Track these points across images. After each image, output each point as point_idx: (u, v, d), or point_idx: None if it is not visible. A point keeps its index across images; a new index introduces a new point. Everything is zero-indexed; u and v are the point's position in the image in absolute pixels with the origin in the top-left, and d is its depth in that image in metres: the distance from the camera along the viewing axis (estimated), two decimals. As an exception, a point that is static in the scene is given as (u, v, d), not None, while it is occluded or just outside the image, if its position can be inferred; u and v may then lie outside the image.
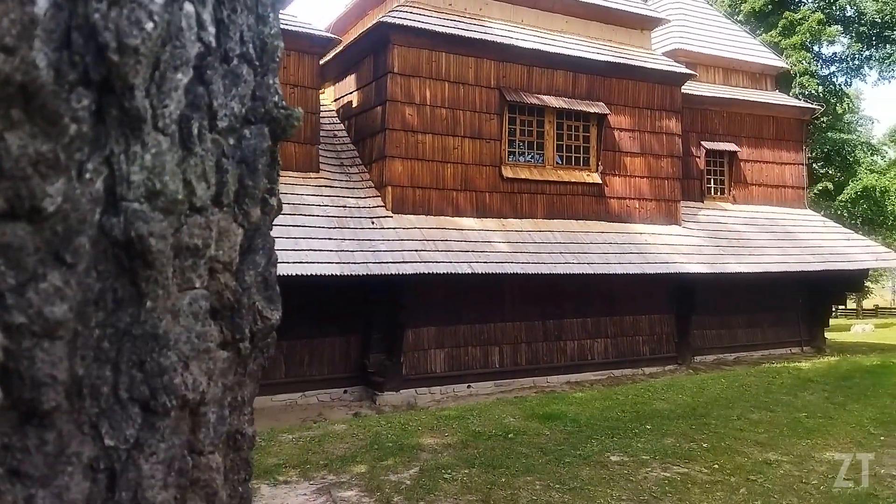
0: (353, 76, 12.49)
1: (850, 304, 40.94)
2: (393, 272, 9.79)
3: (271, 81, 0.84)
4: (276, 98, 0.85)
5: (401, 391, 10.70)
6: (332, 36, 11.27)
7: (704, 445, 6.72)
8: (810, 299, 15.47)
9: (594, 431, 7.23)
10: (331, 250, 9.78)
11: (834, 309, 21.43)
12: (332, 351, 10.82)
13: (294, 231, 9.87)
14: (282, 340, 10.51)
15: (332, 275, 9.39)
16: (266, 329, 0.87)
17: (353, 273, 9.56)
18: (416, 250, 10.31)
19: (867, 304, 48.53)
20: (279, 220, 8.81)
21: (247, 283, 0.82)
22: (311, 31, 10.90)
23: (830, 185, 27.85)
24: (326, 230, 10.15)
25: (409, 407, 10.37)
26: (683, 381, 10.10)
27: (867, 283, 40.88)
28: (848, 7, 29.72)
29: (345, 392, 10.89)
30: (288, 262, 9.25)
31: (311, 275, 9.25)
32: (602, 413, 8.05)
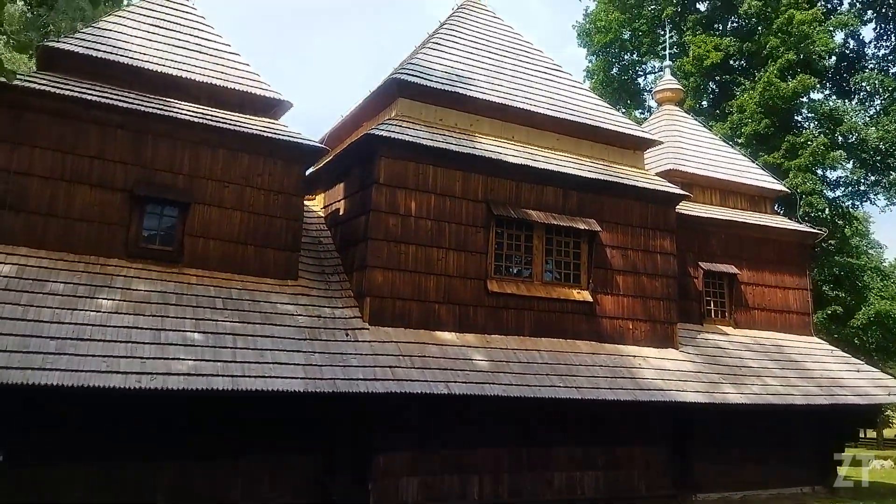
0: (342, 185, 12.41)
1: (871, 433, 38.90)
2: (362, 390, 9.15)
3: None
4: None
5: (367, 522, 9.76)
6: (318, 145, 11.24)
7: None
8: (819, 434, 14.38)
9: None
10: (297, 364, 9.21)
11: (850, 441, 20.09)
12: (293, 472, 9.95)
13: (261, 342, 9.34)
14: (240, 459, 9.74)
15: (294, 391, 8.78)
16: None
17: (319, 390, 8.94)
18: (391, 366, 9.71)
19: (888, 433, 46.18)
20: (246, 329, 8.13)
21: None
22: (298, 140, 10.87)
23: (840, 309, 27.00)
24: (296, 342, 9.63)
25: (374, 541, 9.41)
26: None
27: (886, 413, 39.05)
28: (850, 133, 29.98)
29: (307, 520, 9.96)
30: (250, 376, 8.69)
31: (273, 391, 8.65)
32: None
